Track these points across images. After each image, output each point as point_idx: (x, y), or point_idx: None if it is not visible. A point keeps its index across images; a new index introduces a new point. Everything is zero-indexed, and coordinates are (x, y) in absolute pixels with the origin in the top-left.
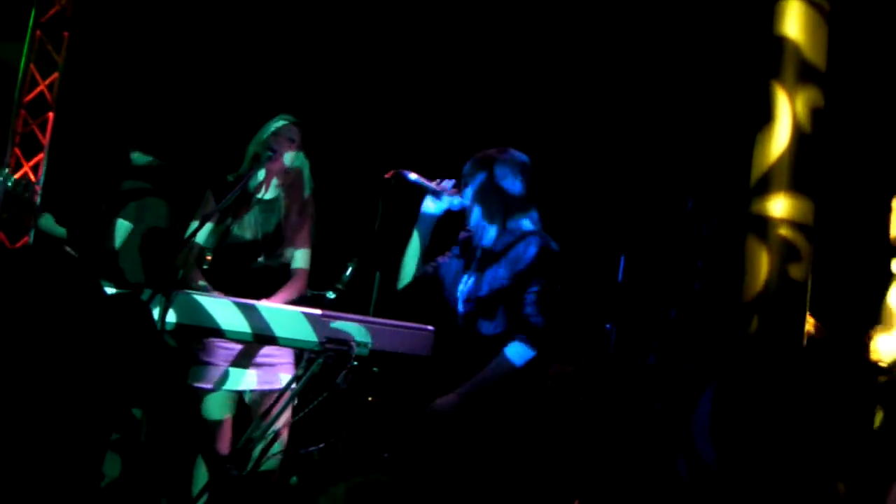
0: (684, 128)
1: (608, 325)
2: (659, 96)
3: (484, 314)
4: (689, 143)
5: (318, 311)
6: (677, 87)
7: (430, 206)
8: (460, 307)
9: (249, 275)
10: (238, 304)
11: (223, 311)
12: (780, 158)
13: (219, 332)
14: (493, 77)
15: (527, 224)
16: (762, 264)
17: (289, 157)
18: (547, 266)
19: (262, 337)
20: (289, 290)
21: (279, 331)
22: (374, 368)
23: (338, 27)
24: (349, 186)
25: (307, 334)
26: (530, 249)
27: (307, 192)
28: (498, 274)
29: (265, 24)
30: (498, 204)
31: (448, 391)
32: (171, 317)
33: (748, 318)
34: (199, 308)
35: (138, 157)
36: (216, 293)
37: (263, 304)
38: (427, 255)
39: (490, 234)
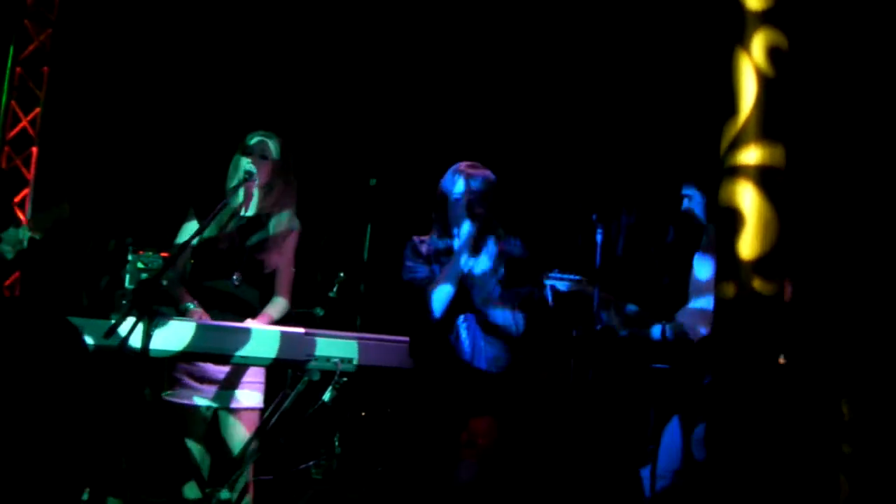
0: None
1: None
2: (645, 97)
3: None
4: (666, 142)
5: (301, 330)
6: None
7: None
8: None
9: (231, 293)
10: (221, 327)
11: (205, 333)
12: (749, 116)
13: (202, 356)
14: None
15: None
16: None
17: (267, 174)
18: None
19: (245, 358)
20: (269, 314)
21: (263, 351)
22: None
23: (315, 39)
24: (334, 200)
25: (291, 353)
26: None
27: (291, 211)
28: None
29: (241, 46)
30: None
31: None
32: (153, 343)
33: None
34: (182, 332)
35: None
36: (201, 312)
37: (246, 325)
38: None
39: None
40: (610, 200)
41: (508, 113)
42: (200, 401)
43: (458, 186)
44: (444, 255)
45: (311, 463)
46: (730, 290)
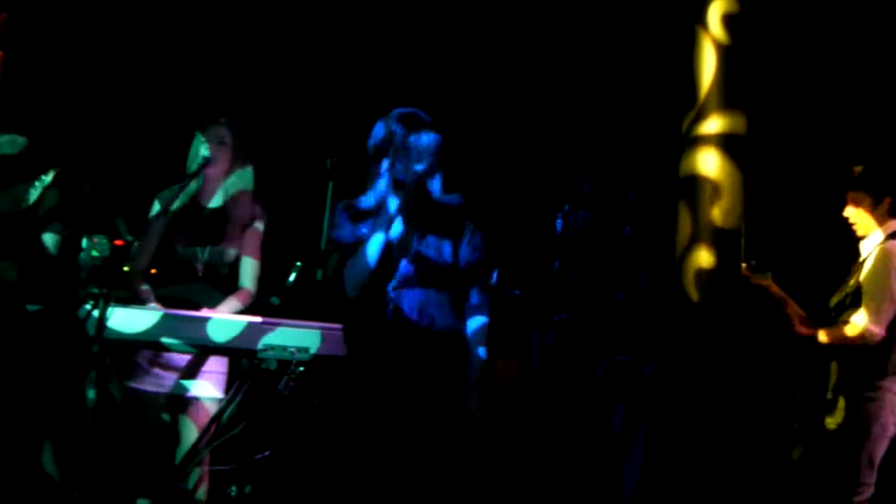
0: (621, 120)
1: (556, 318)
2: (599, 87)
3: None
4: (627, 135)
5: (258, 319)
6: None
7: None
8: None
9: (194, 282)
10: (178, 316)
11: (163, 322)
12: (710, 87)
13: (160, 345)
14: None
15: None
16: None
17: (226, 161)
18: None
19: (202, 347)
20: (232, 303)
21: (219, 339)
22: None
23: (275, 16)
24: (290, 188)
25: (247, 342)
26: (477, 238)
27: (252, 201)
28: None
29: (199, 29)
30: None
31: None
32: (111, 328)
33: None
34: (138, 318)
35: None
36: (156, 302)
37: (203, 314)
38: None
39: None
40: (569, 191)
41: (473, 98)
42: (161, 388)
43: (378, 133)
44: (367, 215)
45: (266, 453)
46: (706, 258)
